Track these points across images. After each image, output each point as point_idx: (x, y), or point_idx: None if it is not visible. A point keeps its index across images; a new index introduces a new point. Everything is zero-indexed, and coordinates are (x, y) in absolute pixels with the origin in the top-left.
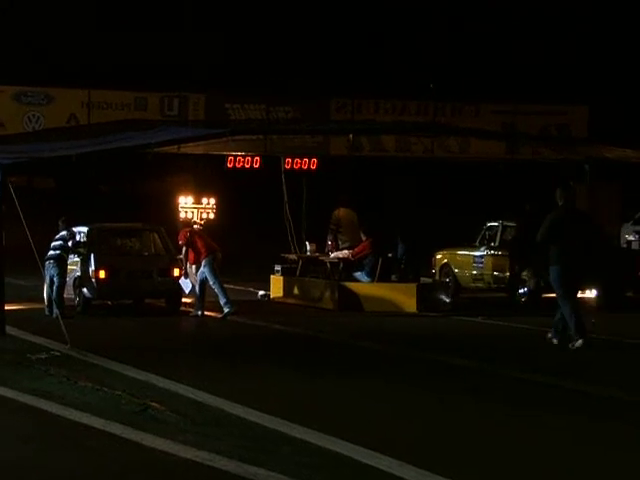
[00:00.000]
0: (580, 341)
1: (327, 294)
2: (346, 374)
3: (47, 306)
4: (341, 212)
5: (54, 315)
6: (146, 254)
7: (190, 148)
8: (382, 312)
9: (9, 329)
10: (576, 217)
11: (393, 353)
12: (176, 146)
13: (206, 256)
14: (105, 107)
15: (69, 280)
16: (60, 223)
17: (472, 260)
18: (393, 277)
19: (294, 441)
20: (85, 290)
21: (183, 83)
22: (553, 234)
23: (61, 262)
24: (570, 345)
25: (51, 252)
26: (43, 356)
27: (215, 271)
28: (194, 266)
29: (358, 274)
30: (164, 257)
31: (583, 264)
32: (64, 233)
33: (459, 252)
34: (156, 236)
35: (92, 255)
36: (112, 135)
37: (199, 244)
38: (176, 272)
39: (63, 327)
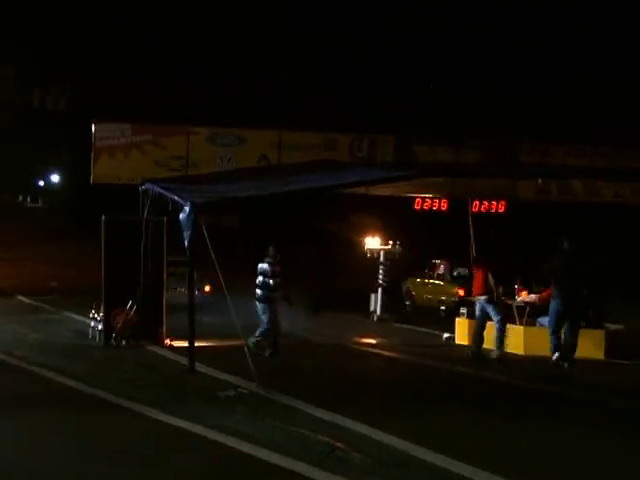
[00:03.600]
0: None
1: (513, 338)
2: (536, 420)
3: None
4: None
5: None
6: None
7: (378, 189)
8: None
9: (198, 365)
10: None
11: (584, 400)
12: (364, 187)
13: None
14: (296, 148)
15: None
16: (270, 249)
17: None
18: (582, 323)
19: None
20: None
21: (372, 124)
22: None
23: (262, 301)
24: None
25: (257, 290)
26: (231, 393)
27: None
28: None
29: (543, 319)
30: None
31: None
32: (265, 266)
33: None
34: None
35: None
36: (303, 175)
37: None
38: None
39: (251, 365)
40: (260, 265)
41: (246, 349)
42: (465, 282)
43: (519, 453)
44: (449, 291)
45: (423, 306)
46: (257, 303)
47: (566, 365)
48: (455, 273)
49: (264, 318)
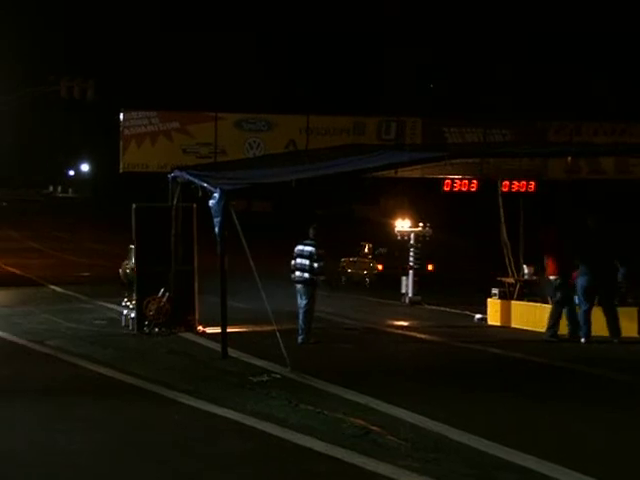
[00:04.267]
0: None
1: (545, 318)
2: (569, 401)
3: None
4: None
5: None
6: None
7: (407, 172)
8: (600, 336)
9: (230, 351)
10: None
11: (619, 380)
12: (393, 170)
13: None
14: (323, 133)
15: None
16: (311, 230)
17: None
18: (615, 302)
19: (516, 468)
20: None
21: (399, 107)
22: None
23: (307, 284)
24: None
25: (297, 273)
26: (264, 378)
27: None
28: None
29: (575, 298)
30: None
31: None
32: (309, 249)
33: None
34: None
35: None
36: (331, 160)
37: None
38: None
39: (284, 350)
40: (301, 247)
41: (278, 334)
42: (384, 259)
43: (556, 436)
44: (372, 266)
45: (355, 280)
46: (298, 286)
47: (616, 341)
48: (376, 252)
49: (302, 302)
